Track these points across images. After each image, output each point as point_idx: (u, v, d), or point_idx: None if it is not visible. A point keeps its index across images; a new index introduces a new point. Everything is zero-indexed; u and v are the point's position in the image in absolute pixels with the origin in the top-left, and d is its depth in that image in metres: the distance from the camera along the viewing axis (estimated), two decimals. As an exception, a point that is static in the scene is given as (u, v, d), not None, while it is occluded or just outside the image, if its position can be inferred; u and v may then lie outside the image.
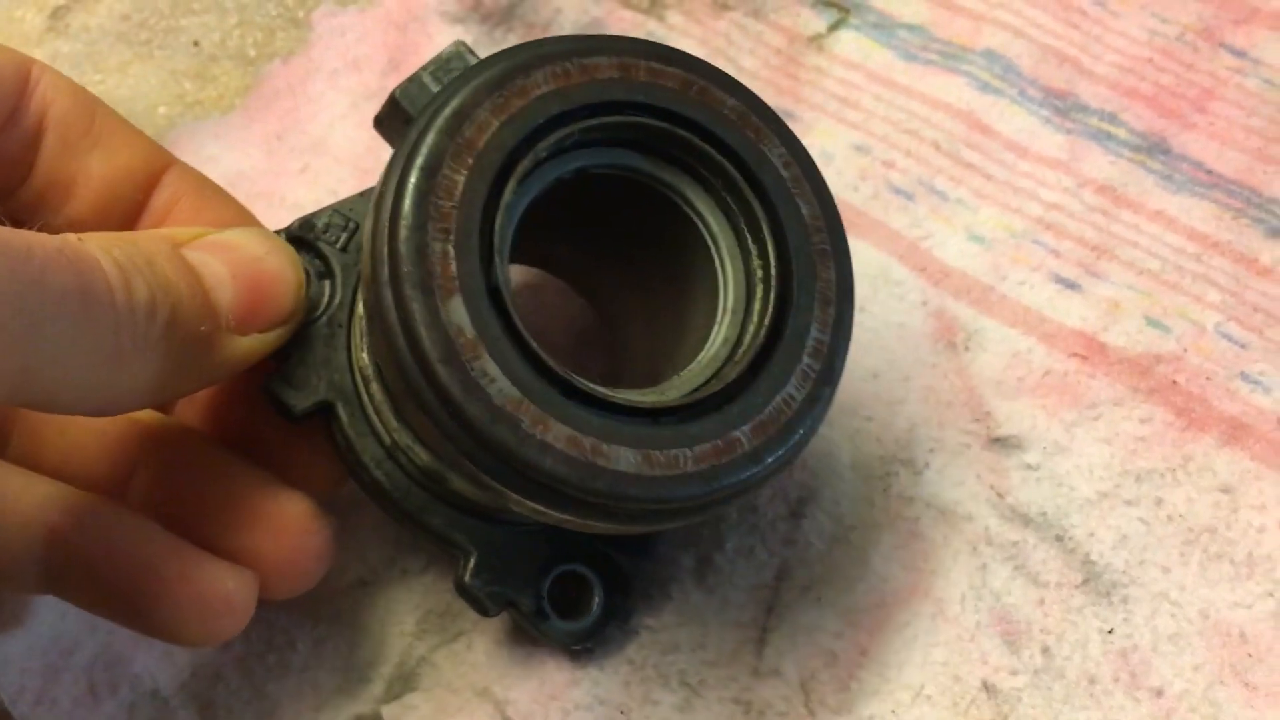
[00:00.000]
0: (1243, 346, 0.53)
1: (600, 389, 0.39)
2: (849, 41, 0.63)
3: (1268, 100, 0.58)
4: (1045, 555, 0.49)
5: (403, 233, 0.39)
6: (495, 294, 0.39)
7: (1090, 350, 0.53)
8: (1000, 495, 0.51)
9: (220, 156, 0.63)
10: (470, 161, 0.40)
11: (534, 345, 0.39)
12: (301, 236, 0.46)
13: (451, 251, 0.39)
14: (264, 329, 0.42)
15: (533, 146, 0.41)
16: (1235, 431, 0.51)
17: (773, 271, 0.43)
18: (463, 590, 0.46)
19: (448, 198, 0.39)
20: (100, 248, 0.37)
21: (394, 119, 0.46)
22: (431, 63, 0.45)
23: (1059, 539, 0.50)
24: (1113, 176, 0.57)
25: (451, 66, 0.45)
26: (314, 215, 0.46)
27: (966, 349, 0.54)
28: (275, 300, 0.42)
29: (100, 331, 0.36)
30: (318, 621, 0.51)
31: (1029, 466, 0.51)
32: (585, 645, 0.48)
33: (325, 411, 0.45)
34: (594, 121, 0.42)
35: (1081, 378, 0.53)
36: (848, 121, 0.60)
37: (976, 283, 0.55)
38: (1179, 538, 0.49)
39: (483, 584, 0.46)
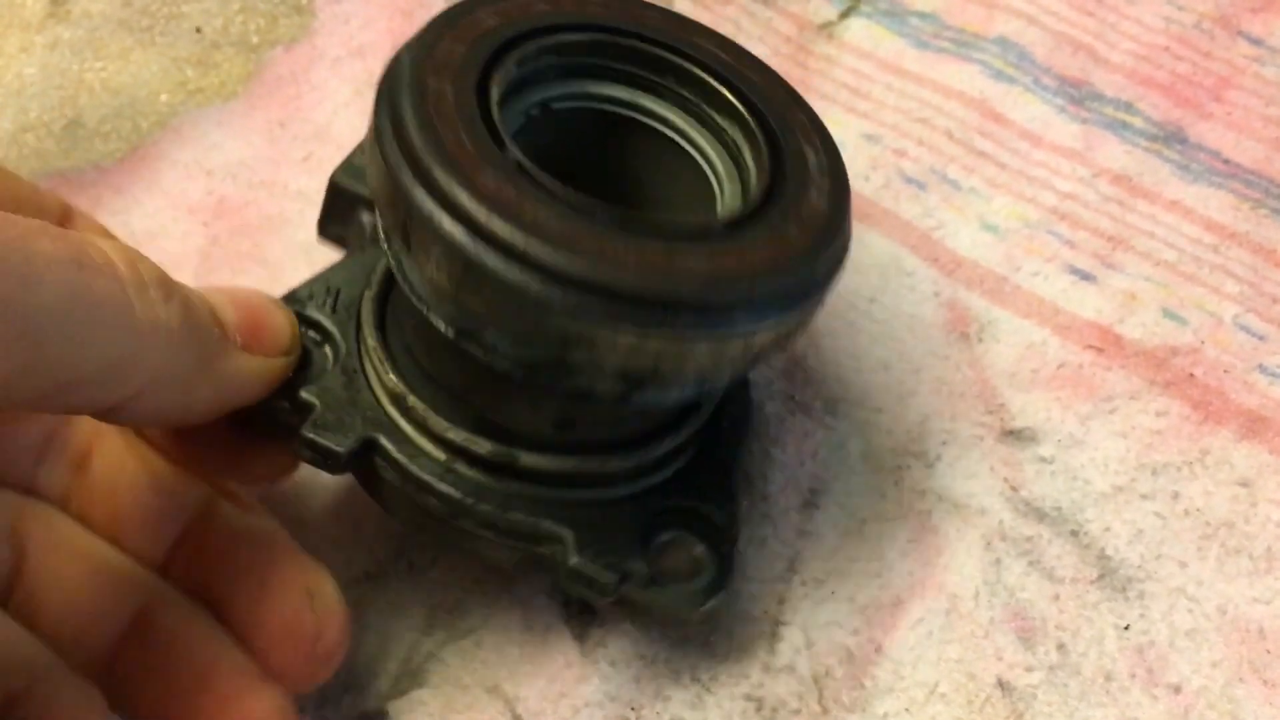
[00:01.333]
0: (1261, 338, 0.52)
1: (654, 218, 0.40)
2: (860, 29, 0.62)
3: (1285, 89, 0.58)
4: (1060, 550, 0.49)
5: (413, 132, 0.39)
6: (519, 165, 0.39)
7: (1106, 342, 0.52)
8: (1014, 489, 0.50)
9: (223, 144, 0.63)
10: (450, 75, 0.41)
11: (572, 192, 0.39)
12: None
13: (465, 139, 0.39)
14: (267, 354, 0.42)
15: (500, 60, 0.42)
16: (1253, 424, 0.50)
17: (750, 121, 0.44)
18: (572, 575, 0.44)
19: (441, 101, 0.40)
20: (106, 244, 0.36)
21: (339, 210, 0.47)
22: (359, 148, 0.46)
23: (1074, 533, 0.49)
24: (1128, 166, 0.56)
25: None
26: (295, 290, 0.47)
27: (980, 340, 0.53)
28: (273, 328, 0.42)
29: (107, 305, 0.35)
30: (323, 617, 0.50)
31: (1043, 460, 0.50)
32: (710, 605, 0.45)
33: (368, 450, 0.44)
34: (549, 40, 0.44)
35: (1097, 370, 0.52)
36: (858, 111, 0.59)
37: (990, 273, 0.55)
38: (1196, 532, 0.49)
39: (592, 558, 0.44)
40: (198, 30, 0.67)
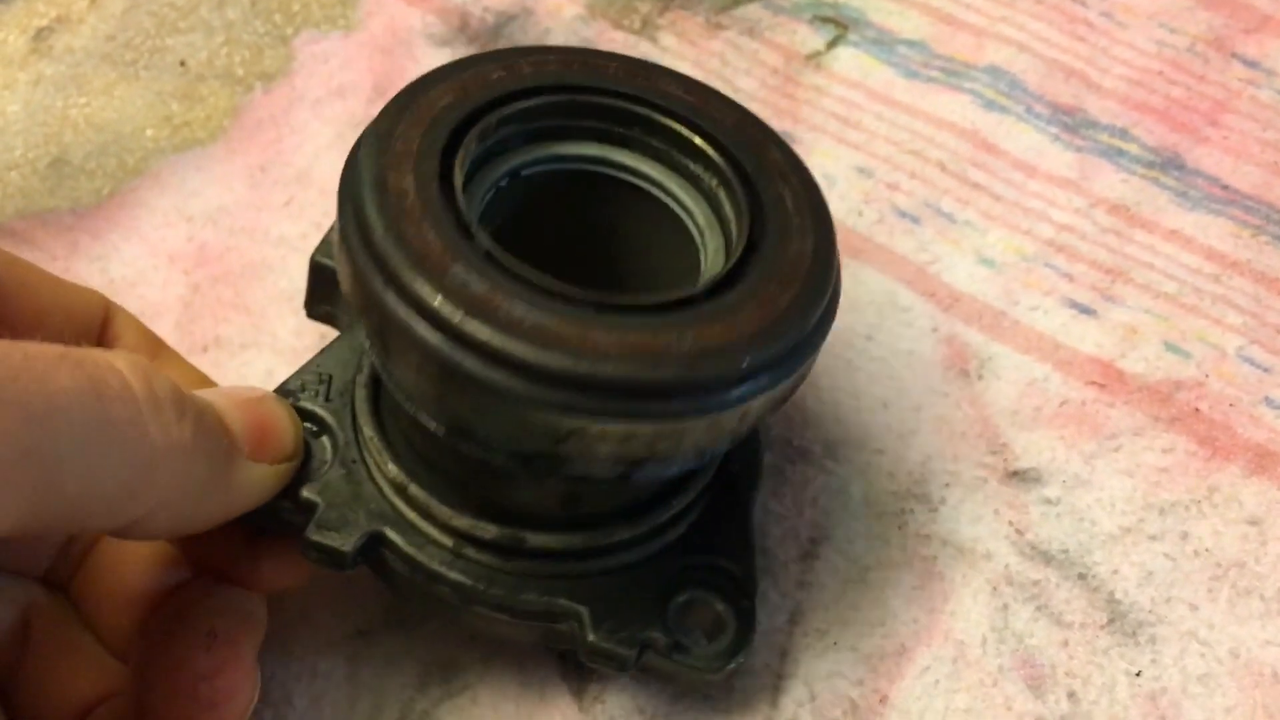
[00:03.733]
0: (1266, 370, 0.51)
1: (632, 297, 0.39)
2: (848, 59, 0.61)
3: (1282, 112, 0.57)
4: (1068, 594, 0.48)
5: (378, 235, 0.38)
6: (489, 255, 0.38)
7: (1108, 378, 0.51)
8: (1020, 532, 0.49)
9: (202, 190, 0.62)
10: (410, 166, 0.40)
11: (546, 277, 0.38)
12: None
13: (431, 234, 0.38)
14: (272, 461, 0.42)
15: (460, 141, 0.41)
16: (1262, 460, 0.49)
17: (724, 167, 0.42)
18: (593, 652, 0.43)
19: (403, 196, 0.39)
20: (121, 359, 0.36)
21: (323, 289, 0.47)
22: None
23: (1082, 577, 0.48)
24: (1125, 195, 0.55)
25: None
26: (286, 382, 0.46)
27: (980, 377, 0.52)
28: (278, 434, 0.42)
29: (124, 430, 0.35)
30: (315, 675, 0.49)
31: (1048, 501, 0.49)
32: (736, 663, 0.45)
33: (375, 543, 0.44)
34: (508, 110, 0.43)
35: (1100, 407, 0.51)
36: (849, 142, 0.58)
37: (988, 308, 0.54)
38: (1206, 573, 0.48)
39: (609, 634, 0.43)
40: (182, 64, 0.66)
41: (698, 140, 0.43)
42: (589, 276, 0.48)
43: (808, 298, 0.40)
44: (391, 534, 0.44)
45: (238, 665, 0.43)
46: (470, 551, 0.44)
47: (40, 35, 0.67)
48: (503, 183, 0.44)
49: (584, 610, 0.43)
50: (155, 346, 0.47)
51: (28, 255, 0.59)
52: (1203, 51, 0.59)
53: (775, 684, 0.47)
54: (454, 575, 0.43)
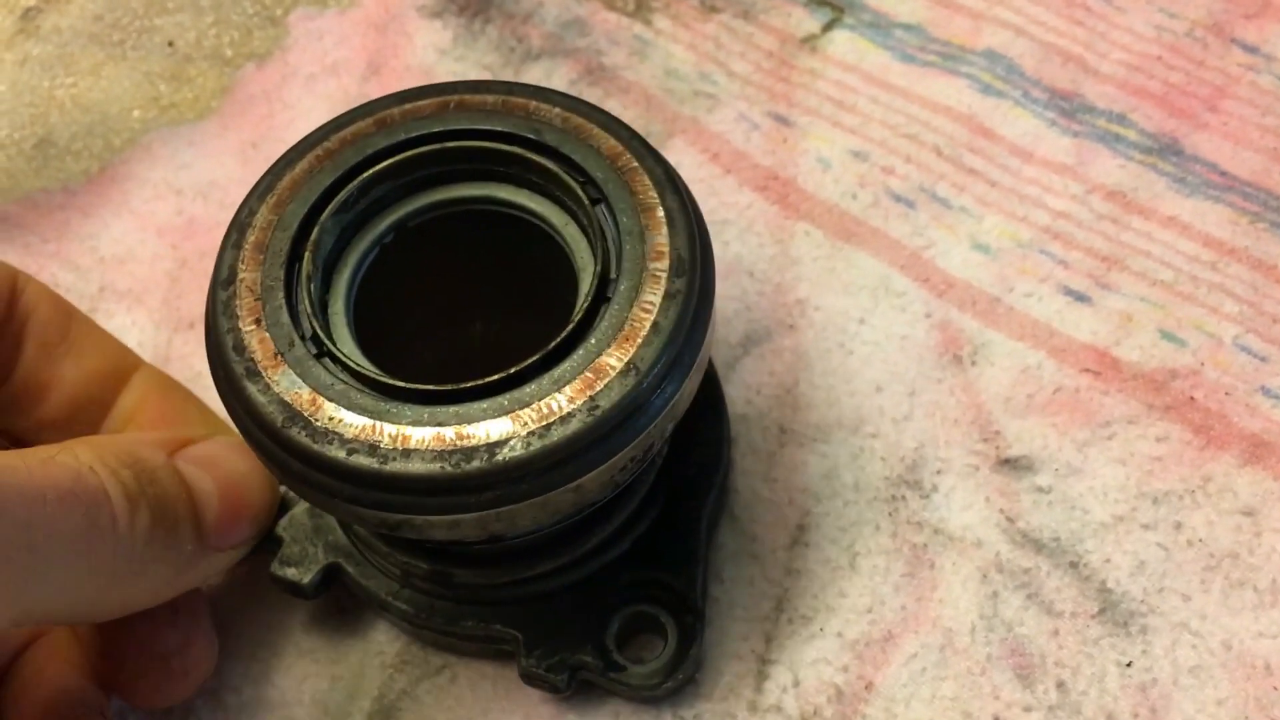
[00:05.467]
0: (1263, 359, 0.50)
1: (443, 386, 0.39)
2: (843, 42, 0.60)
3: (1283, 99, 0.56)
4: (1059, 583, 0.47)
5: (219, 334, 0.40)
6: (322, 349, 0.40)
7: (1102, 365, 0.51)
8: (1011, 520, 0.48)
9: (193, 164, 0.61)
10: (261, 256, 0.42)
11: (373, 373, 0.39)
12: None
13: (266, 334, 0.40)
14: (236, 546, 0.44)
15: (315, 220, 0.42)
16: (1257, 450, 0.49)
17: (588, 207, 0.42)
18: (529, 678, 0.45)
19: (249, 293, 0.41)
20: (110, 471, 0.38)
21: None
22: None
23: (1073, 566, 0.47)
24: (1122, 181, 0.55)
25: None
26: None
27: (973, 363, 0.52)
28: (251, 519, 0.44)
29: (102, 560, 0.38)
30: (299, 654, 0.49)
31: (1040, 489, 0.49)
32: (675, 681, 0.45)
33: (333, 574, 0.47)
34: (380, 167, 0.43)
35: (1094, 394, 0.50)
36: (844, 126, 0.58)
37: (982, 294, 0.53)
38: (1199, 564, 0.47)
39: (540, 660, 0.45)
40: (170, 44, 0.66)
41: (566, 177, 0.43)
42: (486, 316, 0.50)
43: (649, 362, 0.39)
44: (346, 566, 0.47)
45: (201, 633, 0.45)
46: (413, 584, 0.46)
47: (28, 15, 0.67)
48: (388, 239, 0.44)
49: (519, 636, 0.45)
50: (66, 320, 0.47)
51: (18, 238, 0.59)
52: (1202, 36, 0.58)
53: (760, 669, 0.47)
54: (400, 604, 0.46)
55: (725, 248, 0.55)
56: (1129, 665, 0.46)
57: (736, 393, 0.52)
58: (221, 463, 0.43)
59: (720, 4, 0.62)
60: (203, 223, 0.59)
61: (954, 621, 0.47)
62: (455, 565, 0.45)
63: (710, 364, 0.50)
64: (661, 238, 0.41)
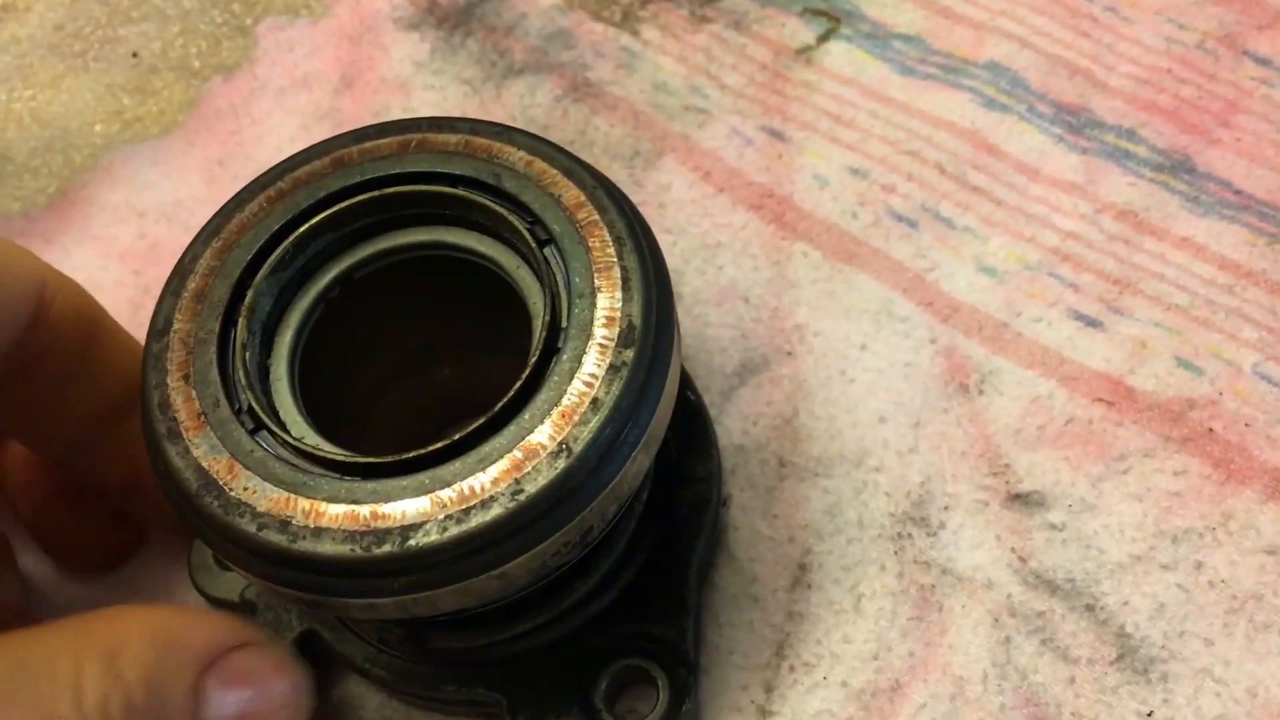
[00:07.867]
0: (1284, 389, 0.48)
1: (362, 459, 0.37)
2: (840, 54, 0.58)
3: (1298, 113, 0.54)
4: (1075, 627, 0.45)
5: (149, 387, 0.39)
6: (259, 423, 0.38)
7: (1116, 395, 0.48)
8: (1023, 559, 0.46)
9: (157, 184, 0.59)
10: (198, 306, 0.40)
11: (294, 443, 0.37)
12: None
13: (193, 392, 0.38)
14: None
15: (259, 267, 0.41)
16: (1279, 484, 0.46)
17: (539, 256, 0.39)
18: None
19: (181, 346, 0.39)
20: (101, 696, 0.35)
21: None
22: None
23: (1089, 609, 0.45)
24: (1133, 200, 0.52)
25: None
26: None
27: (980, 392, 0.49)
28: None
29: None
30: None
31: (1053, 526, 0.46)
32: None
33: (310, 640, 0.45)
34: (317, 219, 0.41)
35: (1108, 426, 0.48)
36: (842, 142, 0.55)
37: (989, 319, 0.50)
38: (1222, 606, 0.45)
39: None
40: (134, 55, 0.63)
41: (511, 219, 0.40)
42: (455, 359, 0.48)
43: (578, 451, 0.36)
44: (322, 631, 0.45)
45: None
46: (389, 649, 0.45)
47: (-17, 25, 0.64)
48: (333, 293, 0.42)
49: (502, 699, 0.43)
50: (87, 340, 0.45)
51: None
52: (1213, 49, 0.56)
53: (762, 722, 0.44)
54: (378, 670, 0.45)
55: (719, 272, 0.53)
56: (1150, 715, 0.43)
57: (733, 424, 0.49)
58: (260, 681, 0.39)
59: (711, 14, 0.59)
60: (167, 246, 0.56)
61: (965, 669, 0.44)
62: (428, 629, 0.43)
63: (698, 397, 0.48)
64: (613, 301, 0.38)
